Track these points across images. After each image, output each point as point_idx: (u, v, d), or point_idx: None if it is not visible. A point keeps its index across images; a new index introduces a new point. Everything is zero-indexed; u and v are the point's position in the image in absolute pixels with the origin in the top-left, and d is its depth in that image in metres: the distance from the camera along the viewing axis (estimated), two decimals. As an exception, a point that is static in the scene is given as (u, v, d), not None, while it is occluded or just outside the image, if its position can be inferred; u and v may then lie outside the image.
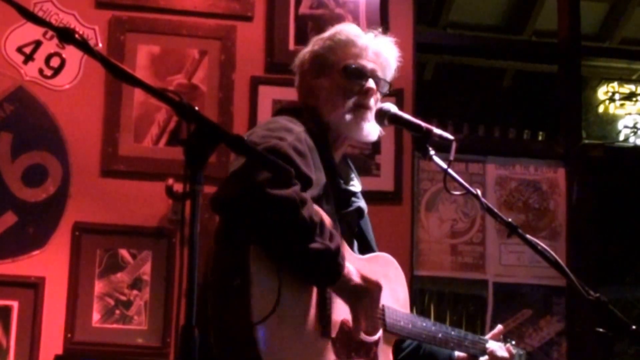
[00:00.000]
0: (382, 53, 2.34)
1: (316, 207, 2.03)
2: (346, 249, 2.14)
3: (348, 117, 2.25)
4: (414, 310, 3.55)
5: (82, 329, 3.68)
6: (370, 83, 2.29)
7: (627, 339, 2.10)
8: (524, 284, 4.46)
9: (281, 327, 1.91)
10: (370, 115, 2.29)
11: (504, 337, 2.65)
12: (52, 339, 3.65)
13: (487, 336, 2.60)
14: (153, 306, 3.76)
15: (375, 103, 2.31)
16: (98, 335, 3.69)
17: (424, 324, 2.38)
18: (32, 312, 3.66)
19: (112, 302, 3.74)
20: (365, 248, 2.35)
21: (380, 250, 2.41)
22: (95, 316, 3.72)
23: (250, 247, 1.90)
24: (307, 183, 2.02)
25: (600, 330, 2.05)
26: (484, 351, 2.53)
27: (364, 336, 2.15)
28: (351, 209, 2.30)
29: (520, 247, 4.28)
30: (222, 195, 1.93)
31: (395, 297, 2.31)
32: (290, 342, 1.94)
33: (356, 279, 2.11)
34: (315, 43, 2.36)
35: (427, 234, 4.44)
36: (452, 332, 2.45)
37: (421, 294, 4.51)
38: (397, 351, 2.39)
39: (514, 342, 2.69)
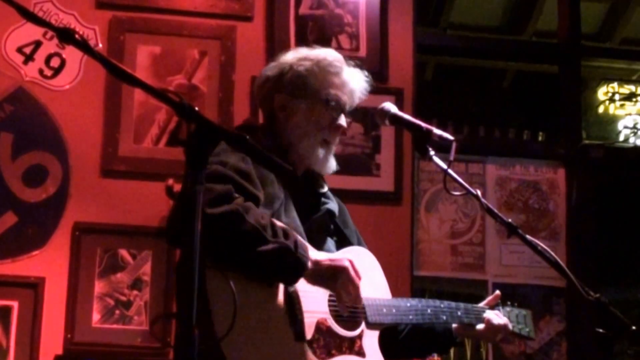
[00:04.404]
0: (356, 92, 2.39)
1: (262, 210, 2.05)
2: (310, 248, 2.13)
3: (320, 151, 2.31)
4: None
5: (82, 329, 3.68)
6: (342, 119, 2.34)
7: (627, 339, 2.10)
8: (524, 284, 4.46)
9: (251, 338, 1.93)
10: (333, 150, 2.36)
11: (502, 302, 2.64)
12: (52, 339, 3.65)
13: (483, 303, 2.59)
14: (153, 306, 3.75)
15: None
16: (98, 336, 3.69)
17: (409, 304, 2.37)
18: (32, 312, 3.65)
19: (112, 302, 3.74)
20: (345, 244, 2.36)
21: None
22: (95, 316, 3.72)
23: (206, 270, 1.91)
24: (254, 201, 2.04)
25: (600, 330, 2.06)
26: (480, 319, 2.52)
27: (344, 332, 2.17)
28: (320, 213, 2.32)
29: (520, 247, 4.28)
30: (168, 228, 1.98)
31: (374, 286, 2.31)
32: (262, 351, 1.96)
33: (326, 262, 2.10)
34: (299, 62, 2.36)
35: (427, 234, 4.44)
36: (442, 305, 2.45)
37: (421, 294, 4.51)
38: (396, 333, 2.41)
39: (516, 304, 2.68)
